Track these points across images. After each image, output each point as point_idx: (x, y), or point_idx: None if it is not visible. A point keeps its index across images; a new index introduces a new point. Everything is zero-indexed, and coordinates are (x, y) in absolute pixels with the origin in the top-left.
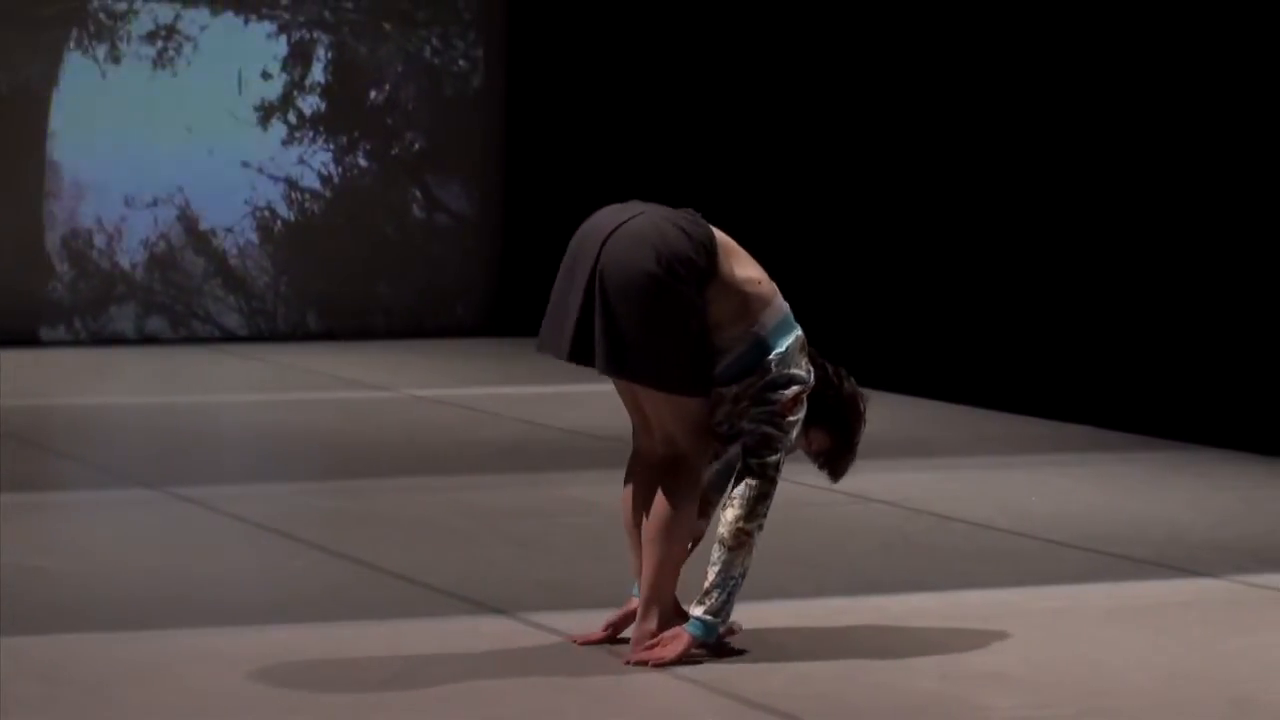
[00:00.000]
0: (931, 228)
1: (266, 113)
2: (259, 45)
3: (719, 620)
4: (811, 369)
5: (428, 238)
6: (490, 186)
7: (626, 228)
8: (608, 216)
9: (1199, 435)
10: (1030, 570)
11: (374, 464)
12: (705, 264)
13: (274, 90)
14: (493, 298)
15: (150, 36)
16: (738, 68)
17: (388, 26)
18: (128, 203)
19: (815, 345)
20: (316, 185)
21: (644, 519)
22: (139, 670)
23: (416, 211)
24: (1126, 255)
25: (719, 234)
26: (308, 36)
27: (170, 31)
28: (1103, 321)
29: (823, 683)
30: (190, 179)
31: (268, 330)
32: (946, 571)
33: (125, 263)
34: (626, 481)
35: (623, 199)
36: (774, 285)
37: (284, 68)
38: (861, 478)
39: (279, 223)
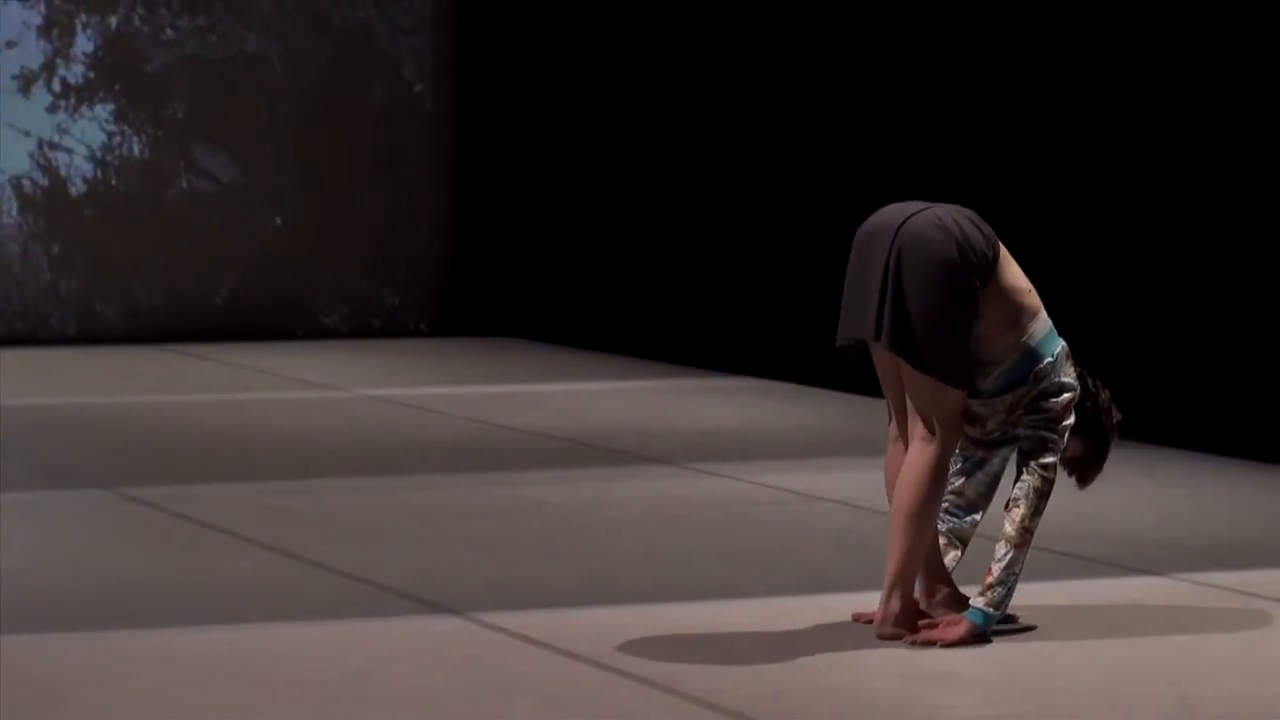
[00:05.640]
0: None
1: (26, 81)
2: (15, 14)
3: (998, 614)
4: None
5: (192, 208)
6: (440, 185)
7: (924, 215)
8: (897, 210)
9: (1147, 434)
10: (980, 569)
11: (324, 464)
12: (993, 260)
13: (35, 57)
14: (444, 298)
15: None
16: (695, 64)
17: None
18: None
19: (752, 346)
20: (79, 154)
21: None
22: (90, 671)
23: (183, 182)
24: (1073, 255)
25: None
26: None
27: None
28: (1051, 318)
29: (773, 682)
30: None
31: (18, 299)
32: None
33: None
34: (888, 470)
35: (581, 201)
36: (1038, 298)
37: (40, 36)
38: (811, 476)
39: (39, 192)
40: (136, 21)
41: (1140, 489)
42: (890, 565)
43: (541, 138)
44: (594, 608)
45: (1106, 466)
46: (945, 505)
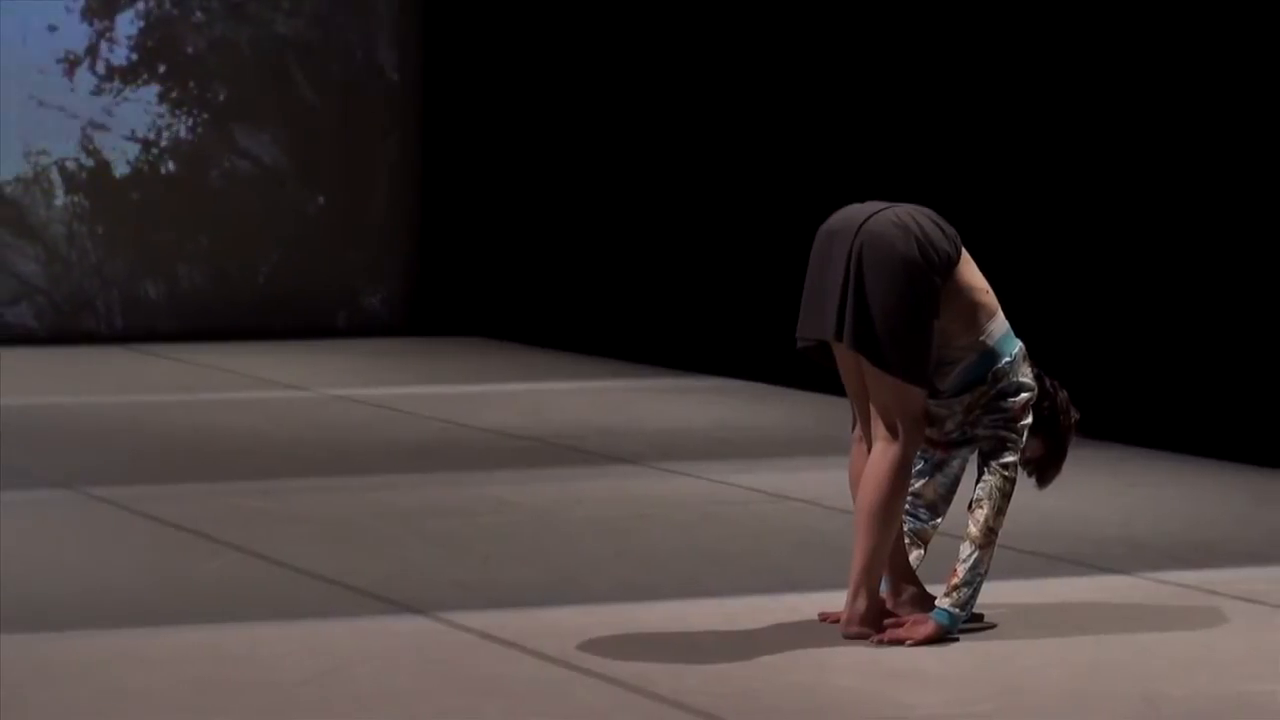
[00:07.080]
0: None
1: (71, 64)
2: None
3: (963, 614)
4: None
5: (237, 190)
6: (406, 183)
7: (885, 215)
8: (857, 210)
9: (1108, 433)
10: (945, 568)
11: (291, 464)
12: (955, 258)
13: (79, 40)
14: (410, 295)
15: None
16: (671, 64)
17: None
18: None
19: (707, 352)
20: (124, 135)
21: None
22: (56, 671)
23: (227, 164)
24: (1035, 255)
25: None
26: None
27: None
28: (1013, 318)
29: (740, 681)
30: None
31: (64, 280)
32: None
33: None
34: (852, 470)
35: (550, 201)
36: (995, 298)
37: (82, 19)
38: (778, 476)
39: (84, 174)
40: (169, 4)
41: (1102, 488)
42: (856, 564)
43: (510, 138)
44: (561, 607)
45: (1067, 466)
46: (906, 506)
